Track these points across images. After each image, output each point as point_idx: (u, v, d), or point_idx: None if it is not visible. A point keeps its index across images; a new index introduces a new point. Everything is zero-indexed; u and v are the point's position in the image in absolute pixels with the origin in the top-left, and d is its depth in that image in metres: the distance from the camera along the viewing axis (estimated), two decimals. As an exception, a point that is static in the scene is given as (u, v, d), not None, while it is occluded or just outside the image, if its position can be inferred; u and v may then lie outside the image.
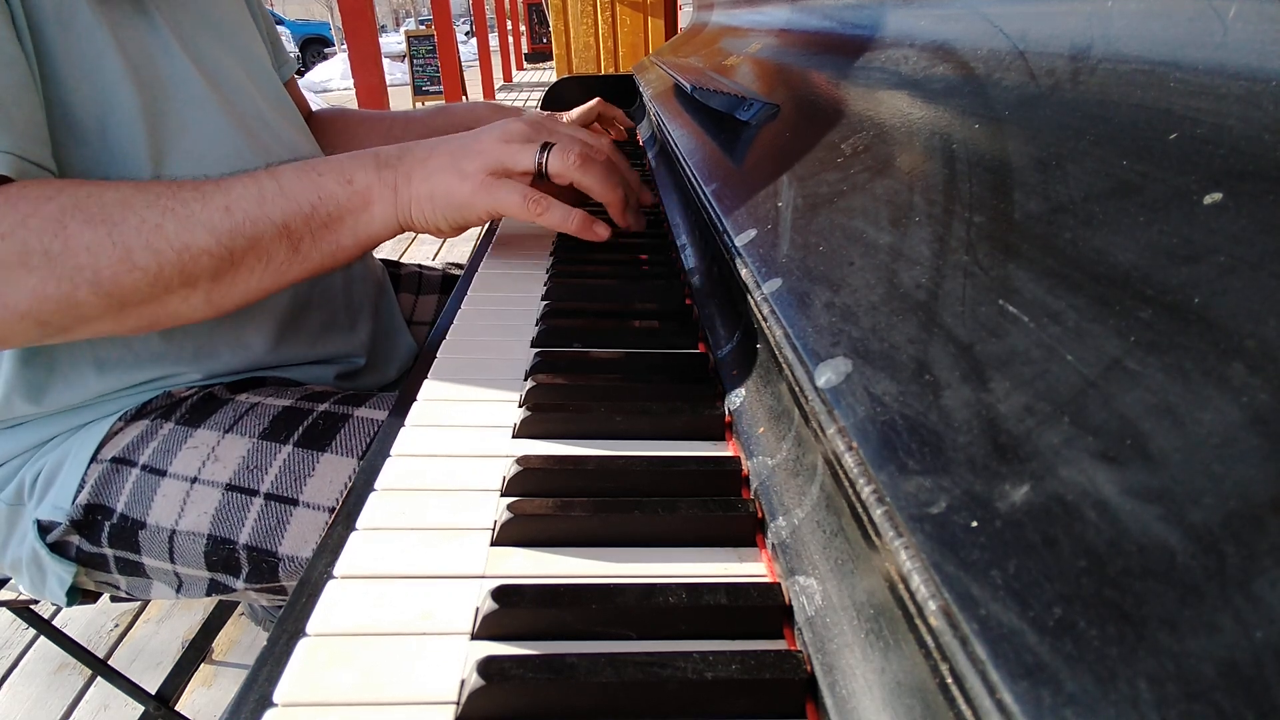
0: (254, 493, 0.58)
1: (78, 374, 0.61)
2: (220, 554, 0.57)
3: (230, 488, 0.58)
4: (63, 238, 0.48)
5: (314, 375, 0.74)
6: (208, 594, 0.61)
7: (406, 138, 0.95)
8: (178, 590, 0.62)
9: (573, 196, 0.64)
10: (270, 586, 0.59)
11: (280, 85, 0.79)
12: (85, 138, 0.55)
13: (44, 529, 0.60)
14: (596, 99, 0.98)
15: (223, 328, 0.66)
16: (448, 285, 0.99)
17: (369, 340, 0.80)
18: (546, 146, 0.59)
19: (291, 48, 15.32)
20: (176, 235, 0.51)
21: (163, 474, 0.59)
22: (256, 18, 0.82)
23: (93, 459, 0.61)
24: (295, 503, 0.57)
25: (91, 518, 0.59)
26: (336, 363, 0.76)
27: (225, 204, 0.53)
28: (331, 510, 0.57)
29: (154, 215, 0.51)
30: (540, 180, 0.60)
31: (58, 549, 0.61)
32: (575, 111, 0.97)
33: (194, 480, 0.59)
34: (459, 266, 1.04)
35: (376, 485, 0.38)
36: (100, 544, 0.60)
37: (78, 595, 0.65)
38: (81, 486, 0.60)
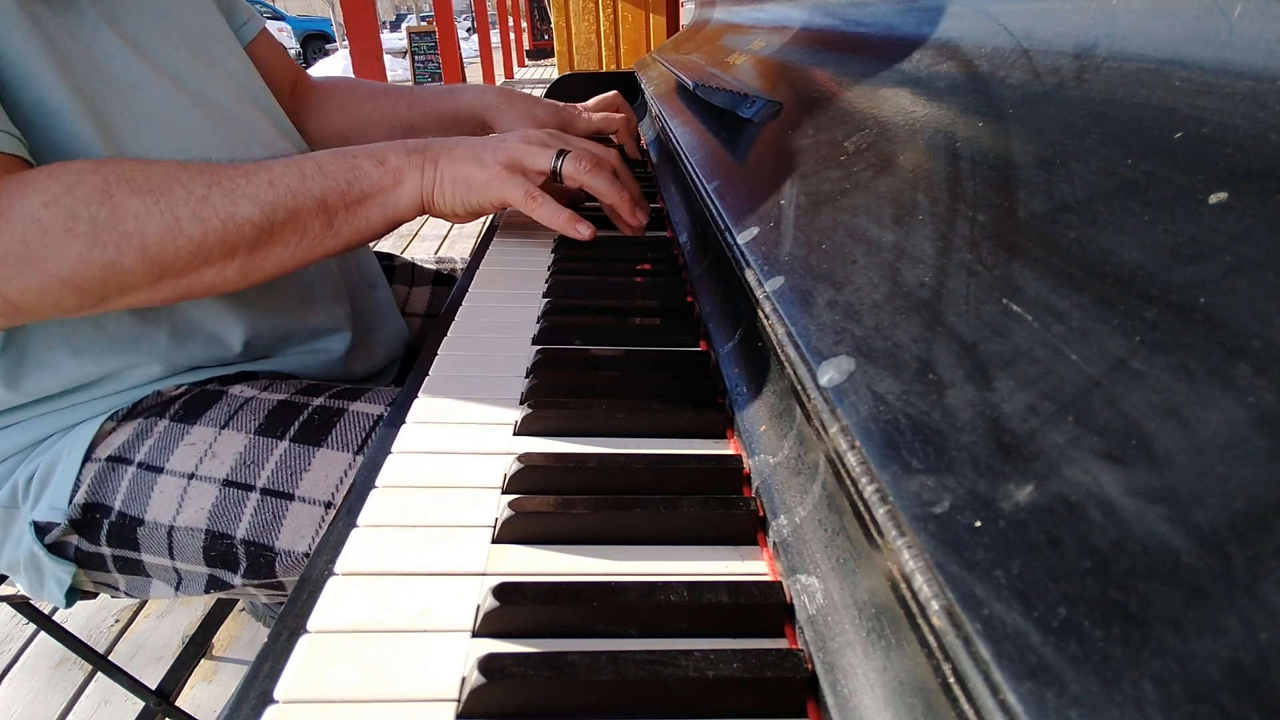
0: (250, 488, 0.58)
1: (52, 358, 0.60)
2: (218, 549, 0.58)
3: (227, 483, 0.58)
4: (110, 205, 0.50)
5: (303, 364, 0.73)
6: (206, 591, 0.61)
7: (411, 117, 0.93)
8: (176, 588, 0.62)
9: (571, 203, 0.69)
10: (267, 582, 0.59)
11: (240, 59, 0.76)
12: (29, 132, 0.55)
13: (41, 530, 0.60)
14: (614, 92, 0.98)
15: (200, 308, 0.65)
16: (440, 278, 0.99)
17: (351, 310, 0.79)
18: (562, 153, 0.65)
19: (293, 44, 15.23)
20: (223, 205, 0.53)
21: (160, 471, 0.59)
22: None
23: (86, 458, 0.60)
24: (291, 497, 0.57)
25: (90, 516, 0.59)
26: (325, 339, 0.75)
27: (269, 178, 0.56)
28: (327, 504, 0.57)
29: (200, 187, 0.53)
30: (553, 181, 0.65)
31: (56, 550, 0.61)
32: (593, 101, 0.97)
33: (191, 476, 0.59)
34: (451, 260, 1.04)
35: (378, 482, 0.38)
36: (99, 543, 0.60)
37: (76, 595, 0.65)
38: (77, 486, 0.60)
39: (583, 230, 0.65)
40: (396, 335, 0.86)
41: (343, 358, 0.76)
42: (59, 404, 0.62)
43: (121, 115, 0.60)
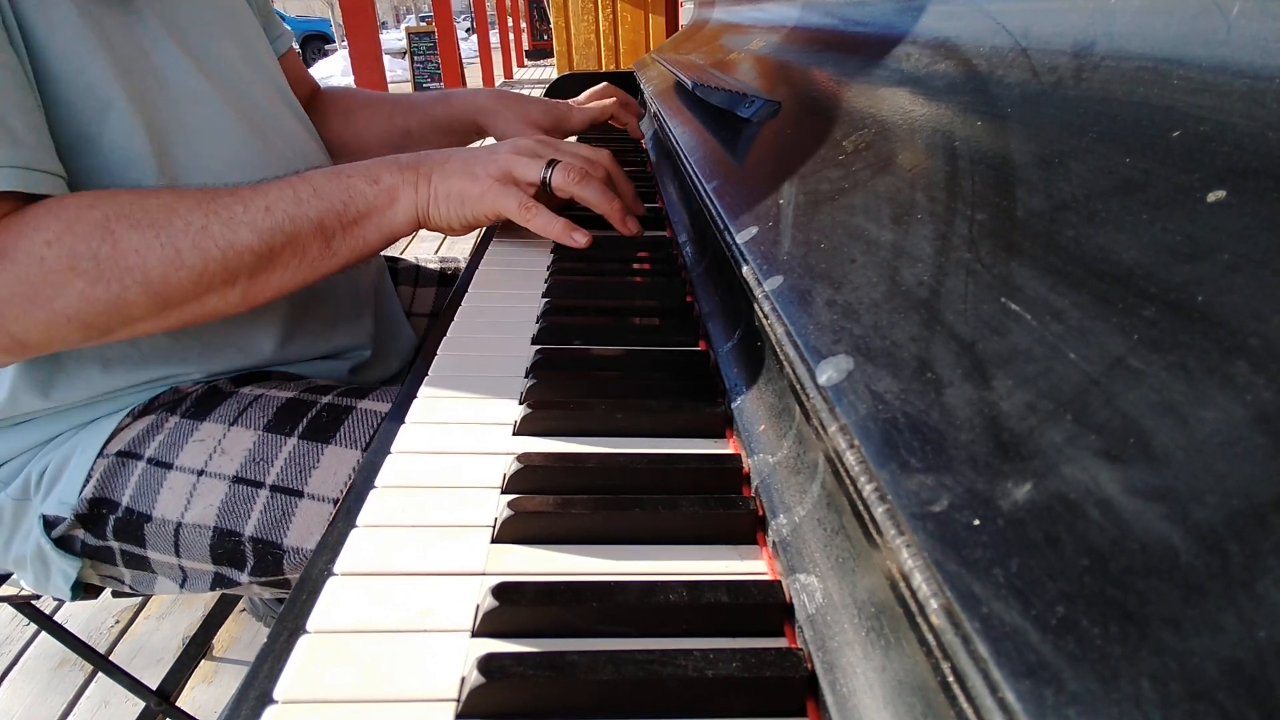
0: (260, 485, 0.58)
1: (83, 371, 0.61)
2: (226, 546, 0.58)
3: (237, 480, 0.58)
4: (110, 241, 0.50)
5: (321, 371, 0.74)
6: (211, 588, 0.62)
7: (408, 123, 0.95)
8: (182, 585, 0.62)
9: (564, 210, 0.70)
10: (275, 579, 0.59)
11: (278, 69, 0.79)
12: (87, 147, 0.56)
13: (49, 524, 0.61)
14: (604, 83, 0.98)
15: (230, 325, 0.66)
16: (445, 278, 1.00)
17: (374, 329, 0.81)
18: (552, 163, 0.65)
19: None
20: (221, 235, 0.54)
21: (169, 467, 0.59)
22: None
23: (99, 454, 0.61)
24: (300, 494, 0.58)
25: (97, 511, 0.59)
26: (345, 356, 0.77)
27: (265, 205, 0.56)
28: (335, 501, 0.57)
29: (198, 218, 0.53)
30: (544, 191, 0.65)
31: (63, 544, 0.61)
32: (585, 94, 0.97)
33: (201, 473, 0.59)
34: (454, 260, 1.05)
35: (377, 482, 0.38)
36: (105, 537, 0.60)
37: (81, 590, 0.65)
38: (87, 481, 0.60)
39: (578, 238, 0.65)
40: (408, 344, 0.87)
41: (359, 369, 0.78)
42: (82, 405, 0.63)
43: (178, 133, 0.61)
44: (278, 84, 0.77)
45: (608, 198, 0.67)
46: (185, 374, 0.65)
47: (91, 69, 0.55)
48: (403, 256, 1.02)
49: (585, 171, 0.66)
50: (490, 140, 0.80)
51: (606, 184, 0.68)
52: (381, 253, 0.96)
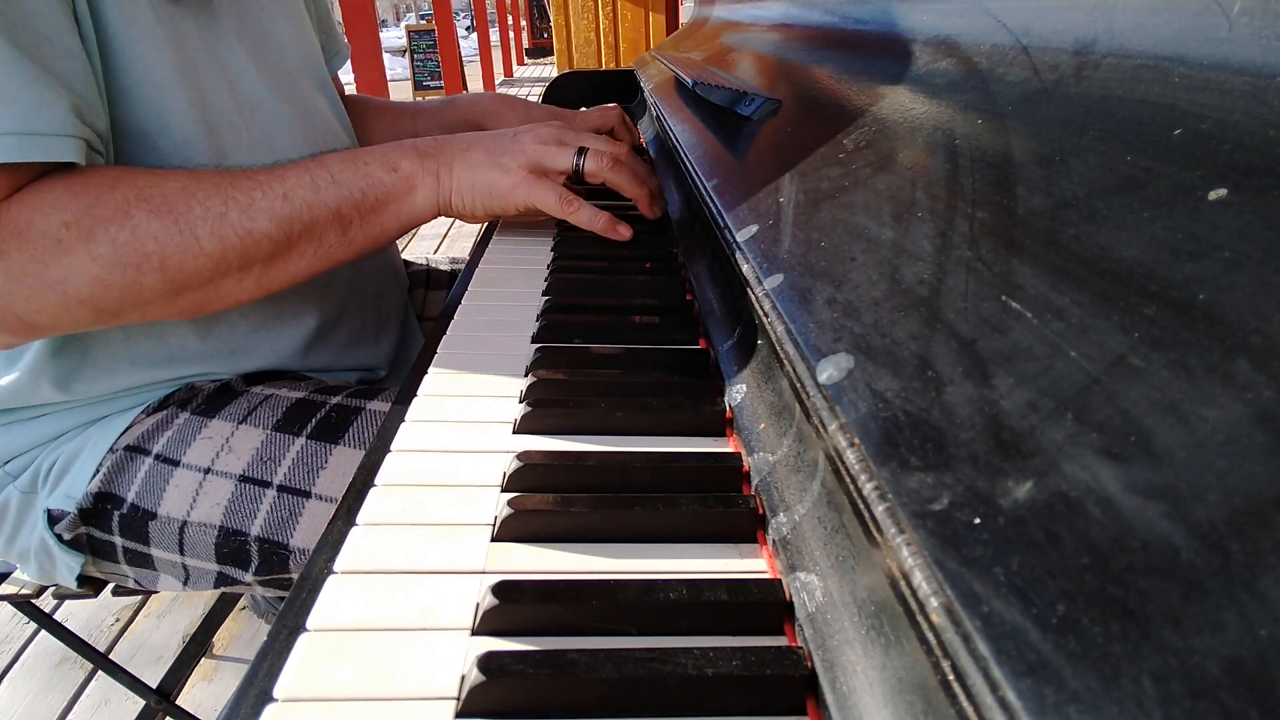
0: (267, 484, 0.58)
1: (112, 366, 0.61)
2: (231, 546, 0.58)
3: (244, 479, 0.58)
4: (129, 226, 0.50)
5: (334, 376, 0.75)
6: (215, 586, 0.62)
7: (415, 128, 0.95)
8: (184, 583, 0.62)
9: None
10: (279, 578, 0.59)
11: (327, 74, 0.79)
12: (145, 144, 0.56)
13: (54, 519, 0.61)
14: (616, 106, 0.98)
15: (260, 332, 0.67)
16: (455, 280, 1.00)
17: (392, 352, 0.81)
18: (582, 151, 0.65)
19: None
20: (239, 221, 0.53)
21: (176, 464, 0.59)
22: (311, 4, 0.83)
23: (109, 449, 0.61)
24: (308, 495, 0.58)
25: (101, 506, 0.59)
26: (363, 371, 0.78)
27: (283, 191, 0.55)
28: None
29: (216, 204, 0.53)
30: (574, 180, 0.66)
31: (65, 539, 0.61)
32: (594, 114, 0.97)
33: (207, 471, 0.59)
34: (464, 261, 1.05)
35: (377, 480, 0.38)
36: (110, 532, 0.60)
37: (85, 582, 0.65)
38: (95, 475, 0.60)
39: (623, 231, 0.66)
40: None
41: (373, 383, 0.79)
42: (99, 400, 0.63)
43: (234, 139, 0.61)
44: (332, 99, 0.78)
45: (638, 182, 0.68)
46: (209, 374, 0.66)
47: (160, 70, 0.55)
48: (414, 261, 1.02)
49: (616, 158, 0.66)
50: None
51: (635, 171, 0.69)
52: (404, 271, 0.97)
